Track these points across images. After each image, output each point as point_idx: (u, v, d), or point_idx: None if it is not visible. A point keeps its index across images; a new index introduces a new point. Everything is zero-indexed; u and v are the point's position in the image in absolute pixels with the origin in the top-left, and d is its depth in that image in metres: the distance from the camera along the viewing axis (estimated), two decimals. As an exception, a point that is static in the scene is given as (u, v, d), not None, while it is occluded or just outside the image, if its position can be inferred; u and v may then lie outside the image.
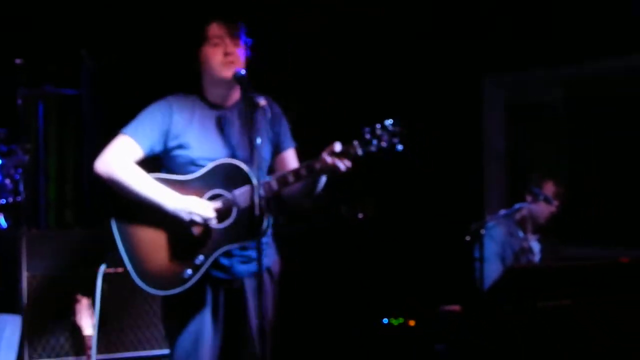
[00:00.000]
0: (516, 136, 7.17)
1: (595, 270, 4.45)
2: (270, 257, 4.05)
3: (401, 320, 5.88)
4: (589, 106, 6.85)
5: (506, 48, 6.71)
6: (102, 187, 3.86)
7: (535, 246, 5.44)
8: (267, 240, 4.02)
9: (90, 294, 4.91)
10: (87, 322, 4.84)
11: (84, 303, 4.87)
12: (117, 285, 4.97)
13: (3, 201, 5.39)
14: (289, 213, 5.90)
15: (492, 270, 5.27)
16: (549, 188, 5.44)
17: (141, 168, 3.87)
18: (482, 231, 4.96)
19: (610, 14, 6.20)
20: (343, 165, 3.72)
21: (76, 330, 4.85)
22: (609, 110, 6.65)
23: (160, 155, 3.94)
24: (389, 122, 3.76)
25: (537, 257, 5.42)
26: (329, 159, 3.72)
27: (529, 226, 5.50)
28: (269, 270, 4.03)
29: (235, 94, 3.99)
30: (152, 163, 3.94)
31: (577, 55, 6.46)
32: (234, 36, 3.91)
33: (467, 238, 5.14)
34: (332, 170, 3.75)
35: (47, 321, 4.96)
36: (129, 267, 3.80)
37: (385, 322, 5.93)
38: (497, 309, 4.47)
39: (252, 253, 3.90)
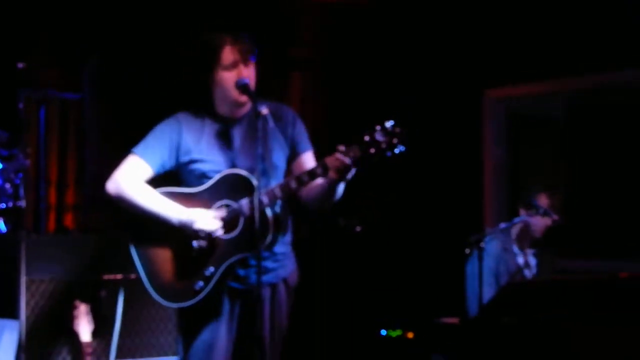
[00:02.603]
0: (517, 148, 7.17)
1: (594, 285, 4.44)
2: (288, 268, 4.05)
3: (399, 332, 5.87)
4: (588, 118, 6.85)
5: (507, 61, 6.72)
6: (116, 209, 3.96)
7: (532, 260, 5.41)
8: (286, 250, 4.02)
9: (89, 300, 4.91)
10: (85, 329, 4.84)
11: (82, 309, 4.87)
12: (131, 291, 4.97)
13: (3, 205, 5.39)
14: (309, 220, 5.90)
15: (485, 285, 5.25)
16: (543, 200, 5.40)
17: (154, 183, 3.94)
18: (482, 244, 4.96)
19: (610, 28, 6.21)
20: (348, 160, 3.65)
21: (74, 336, 4.85)
22: (609, 123, 6.65)
23: (175, 170, 3.99)
24: (389, 123, 3.71)
25: (533, 272, 5.39)
26: (333, 159, 3.68)
27: (527, 240, 5.46)
28: (285, 280, 4.03)
29: (246, 107, 3.98)
30: (169, 177, 4.01)
31: (578, 68, 6.47)
32: (247, 60, 3.89)
33: (467, 251, 5.14)
34: (340, 172, 3.69)
35: (45, 326, 4.95)
36: (145, 281, 3.90)
37: (383, 334, 5.92)
38: (496, 322, 4.47)
39: (269, 263, 3.92)
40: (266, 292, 3.95)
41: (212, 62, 3.89)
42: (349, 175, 3.72)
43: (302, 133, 4.05)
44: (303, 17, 7.43)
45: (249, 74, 3.88)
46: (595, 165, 6.75)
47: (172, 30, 6.57)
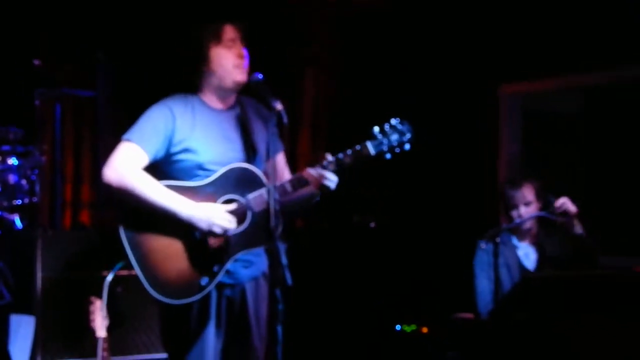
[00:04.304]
0: (533, 144, 7.14)
1: (609, 280, 4.43)
2: (266, 262, 4.02)
3: (414, 327, 5.87)
4: (604, 114, 6.82)
5: (523, 57, 6.70)
6: (111, 195, 3.81)
7: (533, 253, 5.35)
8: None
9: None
10: (100, 324, 4.85)
11: (97, 305, 4.88)
12: (130, 288, 4.98)
13: (19, 202, 5.40)
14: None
15: (483, 281, 5.22)
16: (529, 191, 5.29)
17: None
18: (498, 239, 4.93)
19: (626, 23, 6.18)
20: (330, 175, 3.78)
21: (89, 331, 4.86)
22: (625, 118, 6.62)
23: (160, 161, 3.89)
24: (394, 120, 3.83)
25: (533, 265, 5.32)
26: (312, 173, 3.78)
27: (529, 233, 5.37)
28: (264, 274, 4.01)
29: (232, 97, 4.01)
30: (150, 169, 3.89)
31: (593, 63, 6.44)
32: (244, 39, 3.95)
33: (482, 245, 5.11)
34: (322, 184, 3.78)
35: (60, 322, 4.98)
36: (141, 277, 3.72)
37: (398, 329, 5.92)
38: (511, 318, 4.46)
39: (252, 257, 3.91)
40: (249, 286, 3.94)
41: (212, 39, 3.91)
42: (333, 186, 3.79)
43: (276, 133, 4.04)
44: (315, 14, 7.43)
45: (245, 54, 3.92)
46: (611, 160, 6.72)
47: (182, 28, 6.58)
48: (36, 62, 5.86)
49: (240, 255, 3.83)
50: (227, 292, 3.91)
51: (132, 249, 3.74)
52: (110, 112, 6.69)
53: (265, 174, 3.90)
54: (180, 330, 3.88)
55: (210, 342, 3.87)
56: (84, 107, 6.82)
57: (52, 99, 6.07)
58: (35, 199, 5.48)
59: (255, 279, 3.96)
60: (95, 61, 6.64)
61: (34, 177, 5.50)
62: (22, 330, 4.87)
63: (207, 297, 3.84)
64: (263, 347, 3.94)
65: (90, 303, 4.88)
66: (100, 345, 4.80)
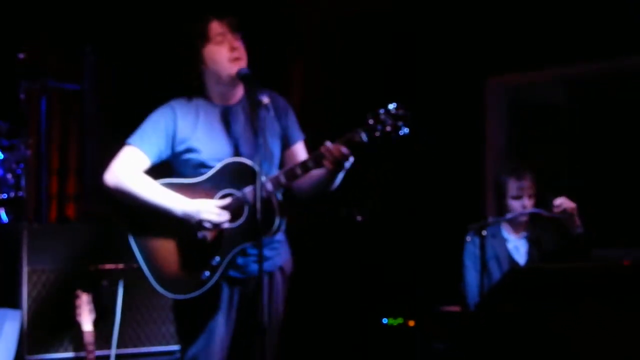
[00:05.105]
0: (518, 137, 7.15)
1: (597, 273, 4.44)
2: (283, 256, 4.05)
3: (400, 320, 5.87)
4: (591, 106, 6.83)
5: (509, 48, 6.69)
6: (114, 200, 3.89)
7: (523, 245, 5.35)
8: (281, 238, 4.02)
9: (91, 290, 4.91)
10: (87, 318, 4.84)
11: (84, 299, 4.87)
12: (131, 281, 4.97)
13: (5, 195, 5.40)
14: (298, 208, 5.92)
15: (472, 273, 5.22)
16: (532, 182, 5.26)
17: (151, 173, 3.90)
18: (484, 232, 4.92)
19: (612, 15, 6.19)
20: (346, 150, 3.68)
21: (76, 325, 4.85)
22: (611, 110, 6.63)
23: (170, 160, 3.96)
24: (391, 105, 3.73)
25: (523, 258, 5.33)
26: (329, 147, 3.70)
27: (521, 225, 5.37)
28: (281, 268, 4.03)
29: (239, 91, 4.00)
30: (162, 167, 3.97)
31: (580, 55, 6.44)
32: (235, 31, 3.92)
33: (468, 238, 5.12)
34: (338, 159, 3.70)
35: (46, 316, 4.96)
36: (148, 275, 3.83)
37: (384, 322, 5.92)
38: (497, 310, 4.47)
39: (266, 252, 3.87)
40: (264, 281, 3.92)
41: (200, 39, 3.90)
42: (347, 164, 3.74)
43: (294, 122, 4.07)
44: (305, 6, 7.42)
45: (239, 45, 3.90)
46: (598, 152, 6.73)
47: (172, 22, 6.56)
48: (21, 55, 5.83)
49: (246, 248, 3.84)
50: (240, 286, 3.93)
51: (139, 250, 3.85)
52: (96, 105, 6.68)
53: (282, 164, 3.96)
54: (186, 322, 3.94)
55: (218, 335, 3.90)
56: (70, 100, 6.80)
57: (37, 91, 6.05)
58: (20, 193, 5.47)
59: (269, 274, 3.96)
60: (82, 54, 6.62)
61: (19, 171, 5.50)
62: (8, 325, 4.85)
63: (218, 290, 3.87)
64: (275, 342, 3.99)
65: (77, 297, 4.87)
66: (88, 340, 4.79)
